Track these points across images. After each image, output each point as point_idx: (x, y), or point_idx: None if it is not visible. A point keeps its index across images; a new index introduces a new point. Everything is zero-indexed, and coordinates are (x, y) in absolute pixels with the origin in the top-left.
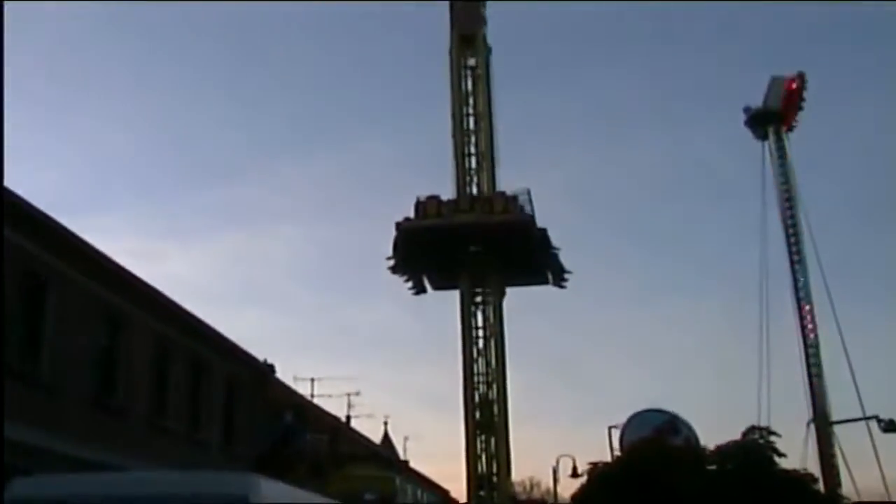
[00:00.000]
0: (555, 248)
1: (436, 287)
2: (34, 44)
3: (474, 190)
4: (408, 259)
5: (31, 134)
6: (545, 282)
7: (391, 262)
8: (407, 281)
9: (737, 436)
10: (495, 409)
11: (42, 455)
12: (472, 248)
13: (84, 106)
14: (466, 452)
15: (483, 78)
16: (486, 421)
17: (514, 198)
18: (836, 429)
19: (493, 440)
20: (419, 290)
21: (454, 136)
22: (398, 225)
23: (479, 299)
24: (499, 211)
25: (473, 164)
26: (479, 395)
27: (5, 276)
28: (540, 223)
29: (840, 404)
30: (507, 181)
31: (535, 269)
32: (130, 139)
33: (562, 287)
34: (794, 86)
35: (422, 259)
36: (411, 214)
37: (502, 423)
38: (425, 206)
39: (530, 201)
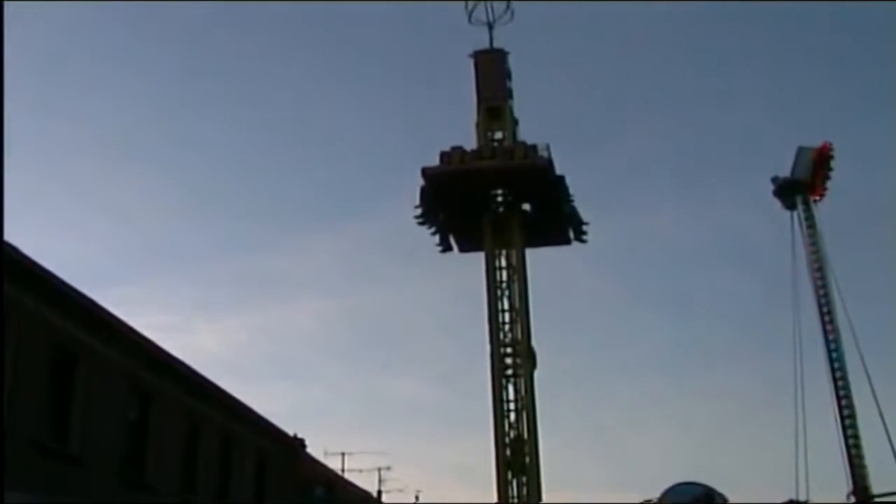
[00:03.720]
0: (570, 198)
1: (461, 248)
2: (55, 109)
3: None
4: (434, 207)
5: (56, 206)
6: (567, 241)
7: (421, 215)
8: (434, 234)
9: None
10: (527, 481)
11: None
12: (494, 200)
13: (109, 177)
14: None
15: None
16: (519, 495)
17: (534, 147)
18: (878, 501)
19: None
20: (445, 247)
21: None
22: (424, 171)
23: (510, 371)
24: (519, 157)
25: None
26: (512, 469)
27: (35, 348)
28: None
29: (880, 477)
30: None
31: (555, 221)
32: (155, 211)
33: (583, 241)
34: (822, 156)
35: (447, 210)
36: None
37: (535, 496)
38: (449, 155)
39: (549, 153)
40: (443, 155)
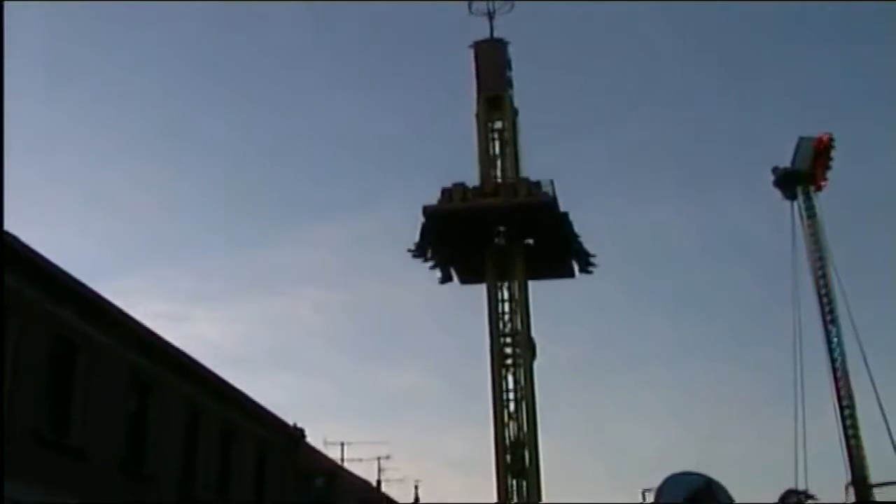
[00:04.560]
0: (577, 236)
1: (462, 280)
2: (55, 104)
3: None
4: (434, 245)
5: (56, 198)
6: (570, 274)
7: (418, 249)
8: (433, 268)
9: (774, 499)
10: (526, 467)
11: None
12: (497, 237)
13: (108, 169)
14: None
15: (510, 141)
16: (518, 486)
17: (538, 183)
18: (876, 491)
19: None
20: (445, 279)
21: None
22: (425, 209)
23: (509, 361)
24: (523, 195)
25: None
26: (511, 459)
27: (35, 340)
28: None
29: (879, 467)
30: None
31: (559, 255)
32: (154, 203)
33: (588, 272)
34: (822, 146)
35: (448, 245)
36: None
37: (534, 487)
38: (451, 193)
39: (553, 189)
40: (444, 191)
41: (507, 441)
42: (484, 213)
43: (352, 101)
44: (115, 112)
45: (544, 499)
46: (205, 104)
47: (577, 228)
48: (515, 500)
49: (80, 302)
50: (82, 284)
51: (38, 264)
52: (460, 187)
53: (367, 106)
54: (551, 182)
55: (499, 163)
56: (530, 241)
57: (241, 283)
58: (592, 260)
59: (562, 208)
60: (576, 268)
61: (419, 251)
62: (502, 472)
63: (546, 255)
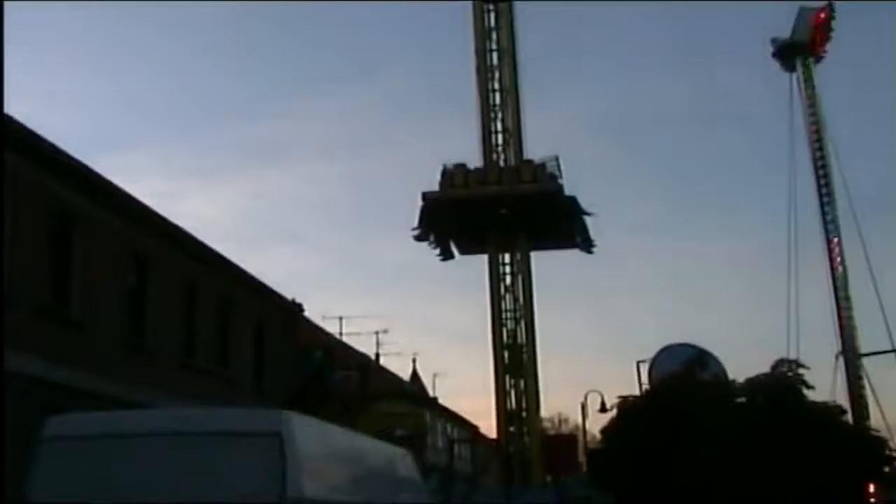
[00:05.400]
0: (588, 213)
1: (463, 252)
2: None
3: (499, 138)
4: (434, 229)
5: (53, 74)
6: (573, 246)
7: (421, 233)
8: (434, 248)
9: (766, 369)
10: (523, 344)
11: (73, 393)
12: (503, 210)
13: (105, 46)
14: (496, 389)
15: (505, 13)
16: (515, 358)
17: (542, 165)
18: (865, 361)
19: (521, 377)
20: (446, 256)
21: (478, 70)
22: (424, 196)
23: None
24: (527, 180)
25: (498, 100)
26: (508, 332)
27: (34, 215)
28: (566, 169)
29: (869, 337)
30: (532, 117)
31: (562, 234)
32: (152, 77)
33: (590, 252)
34: (822, 16)
35: (449, 228)
36: (436, 185)
37: (531, 359)
38: (452, 176)
39: (559, 168)
40: (444, 173)
41: (504, 314)
42: (485, 201)
43: None
44: None
45: (540, 368)
46: None
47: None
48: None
49: (77, 178)
50: (79, 161)
51: (33, 142)
52: (461, 170)
53: None
54: (556, 159)
55: (494, 35)
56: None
57: (238, 157)
58: (594, 241)
59: (564, 185)
60: (579, 244)
61: (422, 236)
62: (499, 344)
63: (549, 233)
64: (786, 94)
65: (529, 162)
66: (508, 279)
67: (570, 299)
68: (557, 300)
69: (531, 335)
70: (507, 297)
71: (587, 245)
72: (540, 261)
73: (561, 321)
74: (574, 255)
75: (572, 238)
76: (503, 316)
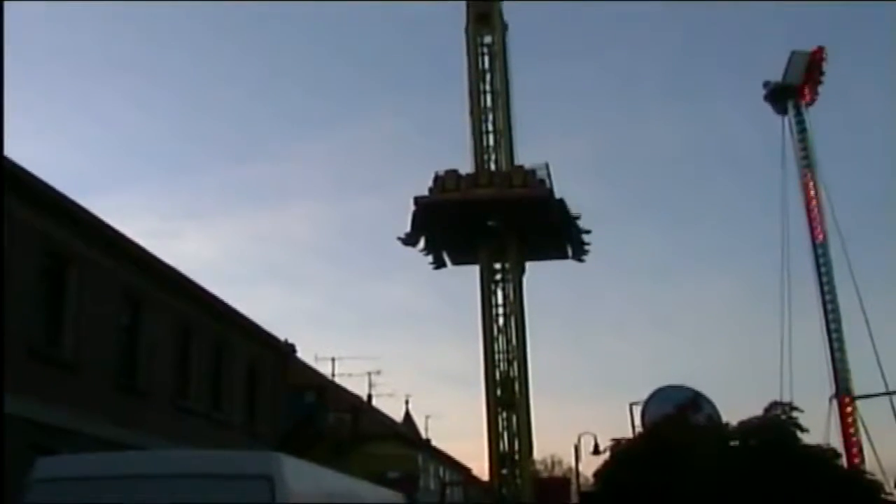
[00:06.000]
0: (574, 216)
1: (455, 262)
2: (48, 24)
3: (492, 166)
4: (426, 234)
5: (48, 115)
6: (565, 256)
7: (409, 237)
8: (426, 255)
9: (759, 412)
10: (516, 386)
11: (64, 435)
12: (491, 223)
13: (100, 86)
14: (488, 431)
15: (500, 55)
16: (508, 399)
17: (533, 171)
18: (859, 404)
19: (514, 418)
20: (439, 264)
21: (472, 113)
22: (416, 200)
23: (498, 277)
24: (518, 185)
25: (491, 142)
26: (500, 373)
27: (27, 255)
28: (558, 196)
29: (863, 379)
30: (526, 157)
31: (554, 243)
32: (145, 119)
33: (581, 260)
34: (814, 60)
35: (441, 234)
36: (429, 188)
37: (523, 400)
38: (444, 181)
39: (549, 175)
40: (436, 179)
41: (497, 356)
42: (478, 204)
43: (345, 14)
44: (105, 24)
45: (533, 409)
46: (198, 16)
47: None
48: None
49: (70, 218)
50: (73, 201)
51: (28, 181)
52: (453, 175)
53: (361, 20)
54: (546, 167)
55: (488, 77)
56: (525, 227)
57: (231, 198)
58: (586, 248)
59: (557, 191)
60: (569, 252)
61: (410, 240)
62: (492, 387)
63: (541, 241)
64: (778, 137)
65: (520, 167)
66: (501, 320)
67: (563, 340)
68: (550, 341)
69: (523, 375)
70: (501, 338)
71: (578, 251)
72: (533, 297)
73: (554, 362)
74: (567, 292)
75: (563, 247)
76: (496, 357)
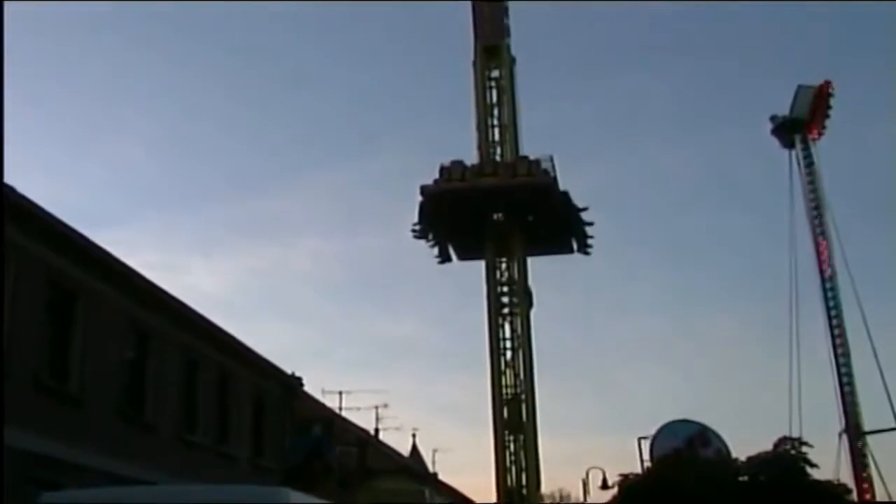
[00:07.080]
0: (580, 209)
1: (461, 257)
2: (52, 59)
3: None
4: (433, 224)
5: (53, 149)
6: (570, 250)
7: (419, 230)
8: (433, 247)
9: (768, 447)
10: (524, 419)
11: (70, 469)
12: (496, 214)
13: (106, 121)
14: (496, 465)
15: (507, 90)
16: (516, 433)
17: (537, 161)
18: (870, 439)
19: (522, 452)
20: (444, 258)
21: (479, 147)
22: (423, 189)
23: (506, 311)
24: (522, 174)
25: None
26: (508, 408)
27: (33, 289)
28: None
29: (873, 414)
30: None
31: (558, 233)
32: (151, 153)
33: (586, 254)
34: (821, 94)
35: (446, 224)
36: (434, 180)
37: (531, 434)
38: (449, 171)
39: (553, 166)
40: (442, 170)
41: (504, 390)
42: (483, 193)
43: (350, 49)
44: (110, 61)
45: (541, 443)
46: (204, 50)
47: (575, 197)
48: (512, 452)
49: (76, 251)
50: (79, 234)
51: (34, 214)
52: (458, 165)
53: (366, 55)
54: (551, 158)
55: (496, 111)
56: (529, 217)
57: (236, 232)
58: (590, 241)
59: (560, 182)
60: (574, 246)
61: (421, 233)
62: (499, 420)
63: (545, 233)
64: (785, 171)
65: (525, 158)
66: (509, 354)
67: (571, 375)
68: (558, 376)
69: (532, 407)
70: (508, 371)
71: (583, 245)
72: (541, 332)
73: (561, 396)
74: (575, 328)
75: (568, 238)
76: (504, 391)
